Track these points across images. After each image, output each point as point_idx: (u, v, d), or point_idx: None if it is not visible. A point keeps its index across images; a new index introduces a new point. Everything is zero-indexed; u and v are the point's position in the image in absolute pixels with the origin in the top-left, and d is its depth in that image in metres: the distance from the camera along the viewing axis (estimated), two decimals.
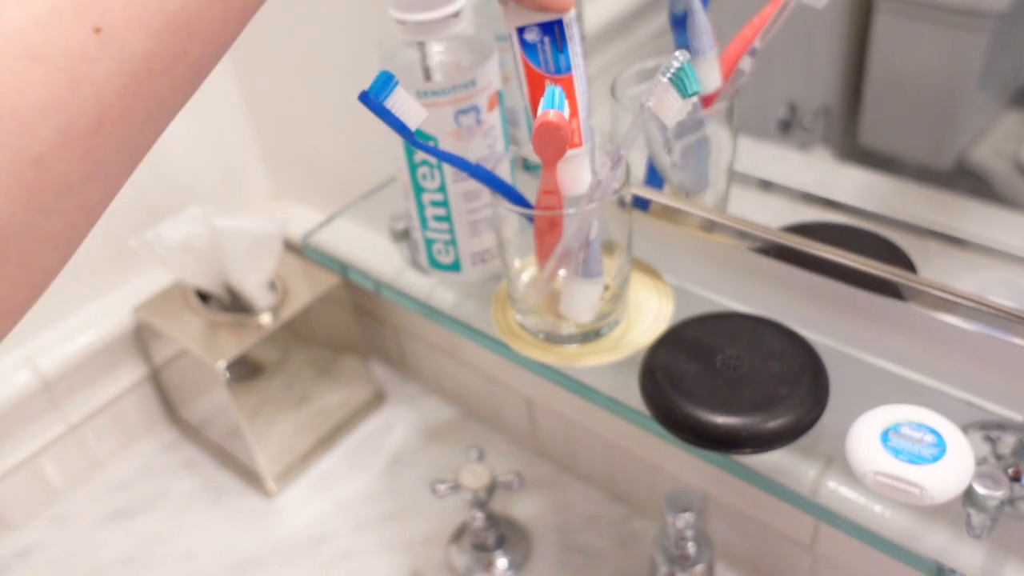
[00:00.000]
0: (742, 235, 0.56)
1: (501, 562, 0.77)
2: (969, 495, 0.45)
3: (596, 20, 0.66)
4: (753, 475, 0.49)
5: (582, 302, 0.53)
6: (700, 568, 0.65)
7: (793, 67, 1.01)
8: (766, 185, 0.69)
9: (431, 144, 0.55)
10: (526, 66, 0.45)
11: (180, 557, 0.82)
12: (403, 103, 0.42)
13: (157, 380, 0.92)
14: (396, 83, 0.41)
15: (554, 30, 0.44)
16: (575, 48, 0.45)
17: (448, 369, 0.92)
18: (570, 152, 0.46)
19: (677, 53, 0.41)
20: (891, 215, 0.65)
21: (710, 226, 0.59)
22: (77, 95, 0.24)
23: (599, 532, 0.79)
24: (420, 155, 0.57)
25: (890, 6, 1.08)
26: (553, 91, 0.41)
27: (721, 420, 0.47)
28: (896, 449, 0.44)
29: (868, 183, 0.81)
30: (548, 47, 0.45)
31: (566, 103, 0.41)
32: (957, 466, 0.43)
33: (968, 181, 1.13)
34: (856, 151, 1.21)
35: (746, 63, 0.53)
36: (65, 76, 0.24)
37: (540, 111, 0.41)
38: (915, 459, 0.43)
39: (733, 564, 0.75)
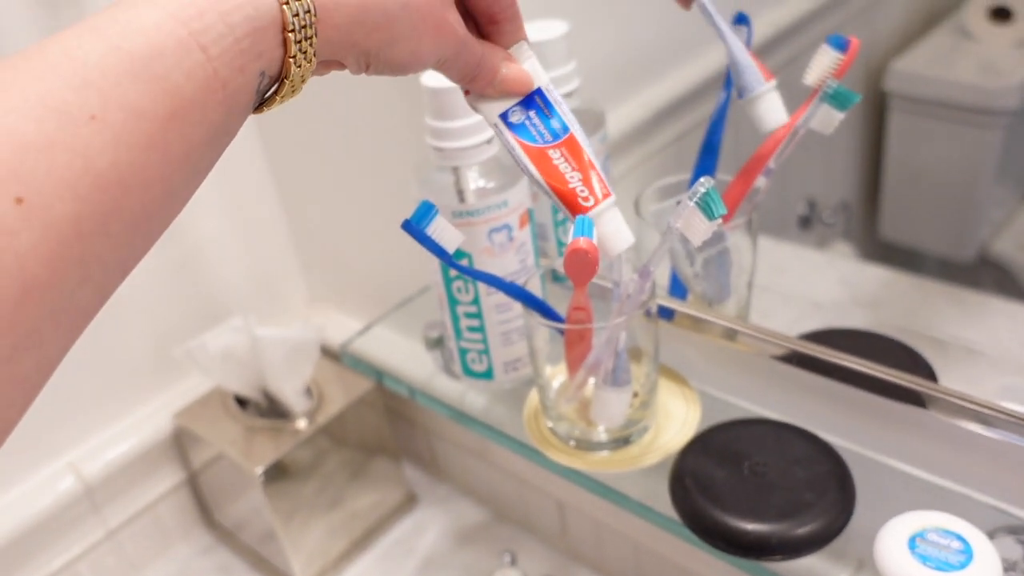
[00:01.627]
0: (764, 343, 0.58)
1: None
2: None
3: (617, 128, 0.70)
4: None
5: (612, 409, 0.55)
6: None
7: (811, 164, 1.05)
8: (788, 291, 0.71)
9: (465, 263, 0.58)
10: (523, 146, 0.43)
11: None
12: (442, 229, 0.45)
13: (194, 484, 0.94)
14: (436, 212, 0.44)
15: (536, 101, 0.43)
16: (563, 108, 0.44)
17: (479, 471, 0.93)
18: (601, 206, 0.43)
19: (703, 179, 0.44)
20: (911, 318, 0.67)
21: (733, 335, 0.61)
22: (1, 271, 0.23)
23: None
24: (455, 271, 0.60)
25: (903, 104, 1.12)
26: (583, 221, 0.43)
27: (751, 527, 0.48)
28: (924, 556, 0.45)
29: (889, 281, 0.83)
30: (537, 119, 0.43)
31: (594, 230, 0.43)
32: (985, 572, 0.44)
33: (991, 273, 1.15)
34: (877, 245, 1.24)
35: (761, 182, 0.56)
36: None
37: (571, 238, 0.43)
38: (943, 566, 0.44)
39: None
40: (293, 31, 0.30)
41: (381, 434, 0.94)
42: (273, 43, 0.30)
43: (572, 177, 0.43)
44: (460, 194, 0.58)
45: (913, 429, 0.55)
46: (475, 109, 0.43)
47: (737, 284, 0.63)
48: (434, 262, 0.61)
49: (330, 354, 0.92)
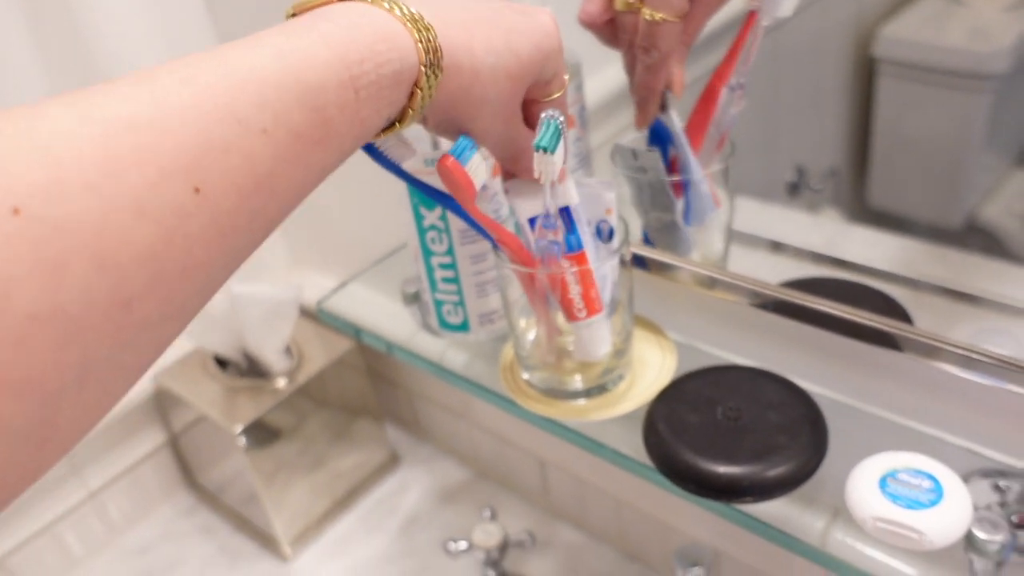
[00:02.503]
0: (741, 291, 0.58)
1: None
2: (970, 540, 0.45)
3: (597, 95, 0.69)
4: (757, 524, 0.50)
5: (593, 338, 0.54)
6: None
7: (800, 131, 1.04)
8: (772, 245, 0.71)
9: (438, 211, 0.57)
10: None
11: None
12: (394, 145, 0.45)
13: (175, 446, 0.94)
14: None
15: (563, 215, 0.49)
16: (583, 228, 0.50)
17: (461, 431, 0.93)
18: (591, 319, 0.51)
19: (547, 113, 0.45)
20: (889, 269, 0.67)
21: (711, 283, 0.60)
22: (171, 247, 0.27)
23: None
24: (429, 219, 0.59)
25: (892, 70, 1.11)
26: (463, 142, 0.44)
27: (723, 470, 0.48)
28: (894, 495, 0.45)
29: (873, 241, 0.83)
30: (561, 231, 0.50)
31: (476, 153, 0.44)
32: (955, 511, 0.44)
33: (979, 239, 1.15)
34: (865, 212, 1.23)
35: (730, 101, 0.55)
36: (163, 230, 0.26)
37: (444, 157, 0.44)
38: (913, 504, 0.44)
39: None
40: (422, 89, 0.35)
41: (363, 395, 0.93)
42: (404, 94, 0.35)
43: (574, 290, 0.50)
44: (434, 141, 0.57)
45: (889, 374, 0.55)
46: (511, 204, 0.49)
47: (715, 234, 0.62)
48: (407, 212, 0.60)
49: (311, 315, 0.91)
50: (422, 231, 0.60)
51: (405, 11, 0.35)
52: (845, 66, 0.98)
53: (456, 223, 0.59)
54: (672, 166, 0.58)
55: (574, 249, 0.50)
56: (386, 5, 0.35)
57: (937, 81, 1.10)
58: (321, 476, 0.91)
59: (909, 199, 1.19)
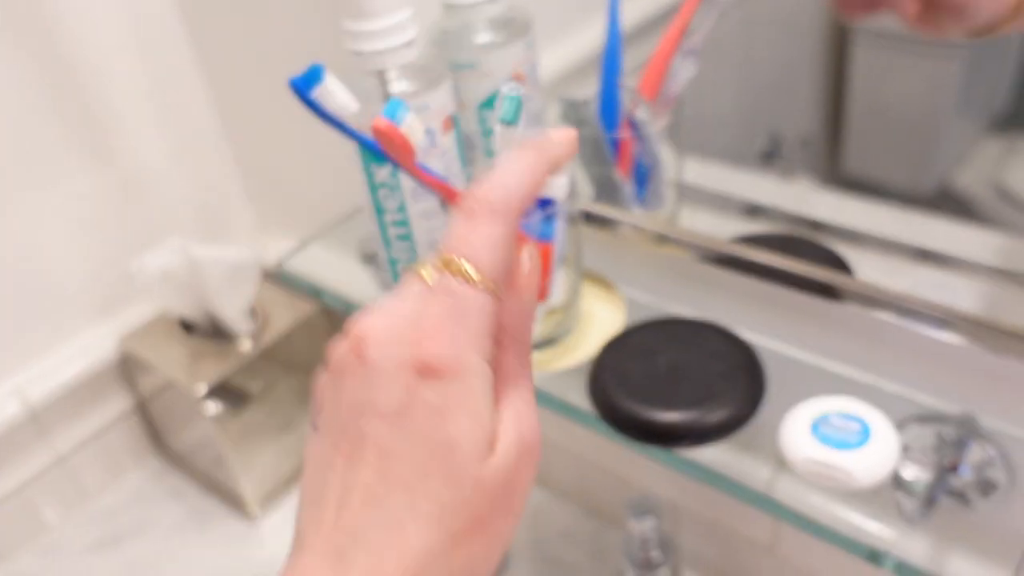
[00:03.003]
0: (689, 246, 0.59)
1: None
2: (897, 480, 0.47)
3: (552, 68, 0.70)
4: (699, 470, 0.51)
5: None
6: (664, 572, 0.67)
7: (773, 98, 1.05)
8: (723, 204, 0.72)
9: (388, 168, 0.58)
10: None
11: None
12: (331, 94, 0.45)
13: (144, 411, 0.95)
14: (323, 75, 0.45)
15: (547, 206, 0.48)
16: (561, 225, 0.49)
17: None
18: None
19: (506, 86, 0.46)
20: (840, 225, 0.68)
21: (661, 240, 0.62)
22: None
23: (574, 545, 0.81)
24: (380, 176, 0.60)
25: (866, 38, 1.12)
26: (395, 104, 0.45)
27: (662, 416, 0.49)
28: (825, 437, 0.46)
29: (837, 205, 0.84)
30: (537, 216, 0.49)
31: (410, 112, 0.45)
32: (882, 452, 0.46)
33: (952, 206, 1.16)
34: (839, 180, 1.24)
35: (684, 67, 0.56)
36: None
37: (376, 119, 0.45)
38: (842, 445, 0.46)
39: (702, 570, 0.77)
40: None
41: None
42: None
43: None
44: (385, 98, 0.58)
45: (829, 324, 0.56)
46: None
47: (664, 190, 0.63)
48: (359, 169, 0.61)
49: (275, 278, 0.92)
50: (373, 188, 0.60)
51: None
52: (819, 34, 0.98)
53: (407, 181, 0.59)
54: (621, 151, 0.60)
55: (545, 239, 0.50)
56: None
57: (910, 49, 1.10)
58: (289, 439, 0.92)
59: (882, 166, 1.20)
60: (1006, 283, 0.57)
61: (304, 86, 0.46)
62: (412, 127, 0.46)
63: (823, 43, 1.06)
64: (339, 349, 0.31)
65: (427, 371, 0.29)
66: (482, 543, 0.30)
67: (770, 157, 1.16)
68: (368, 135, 0.49)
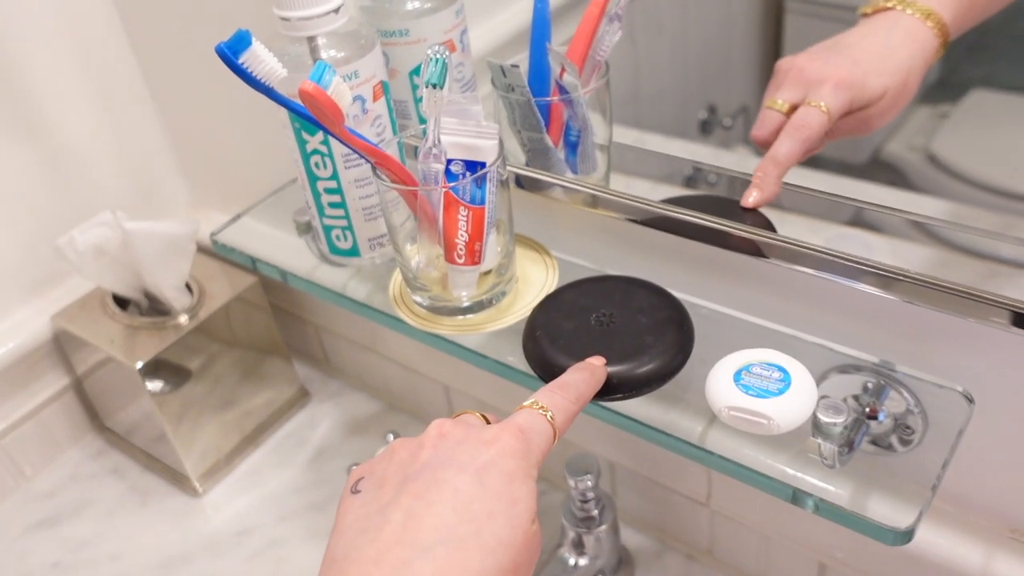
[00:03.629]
0: (621, 207, 0.60)
1: None
2: (815, 424, 0.49)
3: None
4: (630, 421, 0.52)
5: (460, 283, 0.57)
6: (604, 529, 0.69)
7: (710, 69, 1.06)
8: (660, 174, 0.73)
9: (320, 135, 0.58)
10: (446, 192, 0.53)
11: (107, 559, 0.83)
12: (259, 61, 0.46)
13: (80, 389, 0.94)
14: (251, 41, 0.45)
15: (478, 169, 0.53)
16: (492, 187, 0.54)
17: (370, 364, 0.95)
18: (467, 268, 0.56)
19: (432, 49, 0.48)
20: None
21: (592, 202, 0.63)
22: None
23: None
24: (312, 144, 0.60)
25: (799, 7, 1.14)
26: (321, 67, 0.46)
27: None
28: (747, 386, 0.48)
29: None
30: (469, 180, 0.53)
31: (336, 75, 0.47)
32: (801, 398, 0.48)
33: (884, 174, 1.20)
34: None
35: (610, 31, 0.57)
36: None
37: (303, 83, 0.46)
38: (763, 393, 0.48)
39: (641, 527, 0.79)
40: None
41: (270, 333, 0.94)
42: None
43: (461, 236, 0.54)
44: (314, 58, 0.58)
45: (755, 281, 0.58)
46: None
47: (595, 154, 0.64)
48: (291, 138, 0.61)
49: (211, 253, 0.91)
50: (306, 156, 0.61)
51: None
52: (754, 4, 1.00)
53: (339, 147, 0.59)
54: (551, 116, 0.60)
55: (476, 203, 0.54)
56: None
57: (840, 17, 1.13)
58: (231, 414, 0.92)
59: None
60: (927, 241, 0.59)
61: (231, 51, 0.46)
62: (339, 90, 0.47)
63: (757, 12, 1.09)
64: (406, 442, 0.41)
65: (504, 450, 0.39)
66: None
67: (708, 127, 1.18)
68: (298, 102, 0.49)
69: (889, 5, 0.54)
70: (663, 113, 0.87)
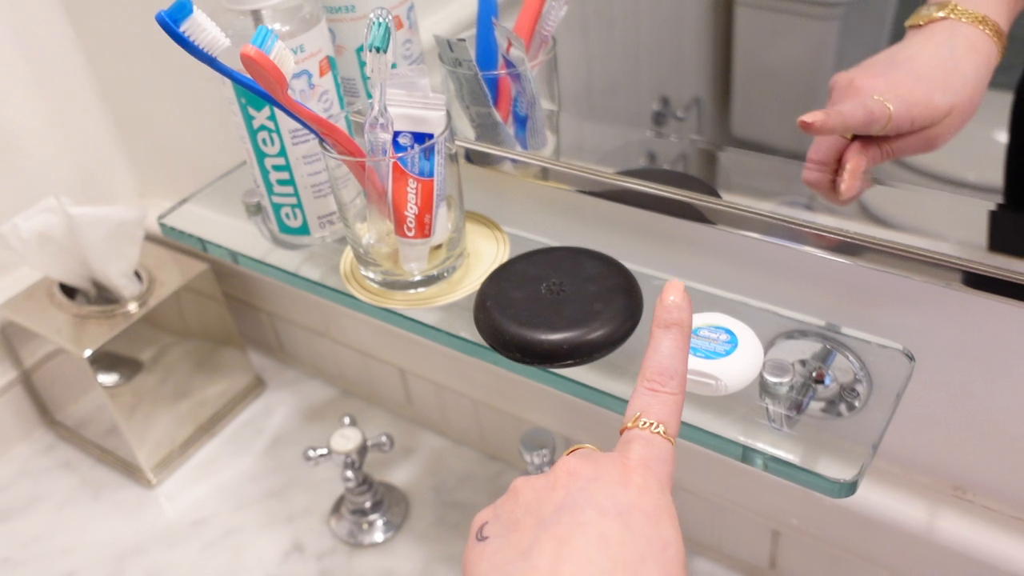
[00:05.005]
0: (571, 179, 0.61)
1: (379, 523, 0.79)
2: (762, 385, 0.50)
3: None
4: (581, 387, 0.53)
5: (410, 256, 0.57)
6: None
7: (663, 61, 1.07)
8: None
9: (266, 110, 0.58)
10: (395, 164, 0.53)
11: (59, 553, 0.81)
12: (201, 30, 0.45)
13: (28, 383, 0.92)
14: (191, 9, 0.44)
15: (426, 140, 0.53)
16: (440, 159, 0.53)
17: (325, 350, 0.94)
18: (417, 241, 0.55)
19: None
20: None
21: (542, 175, 0.63)
22: None
23: (474, 488, 0.83)
24: (258, 120, 0.59)
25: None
26: (263, 32, 0.46)
27: (544, 337, 0.51)
28: (695, 348, 0.49)
29: (726, 159, 0.87)
30: (417, 152, 0.52)
31: (278, 40, 0.46)
32: (747, 359, 0.48)
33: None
34: (729, 141, 1.29)
35: (556, 6, 0.57)
36: None
37: (245, 47, 0.46)
38: (710, 355, 0.48)
39: None
40: None
41: (223, 322, 0.93)
42: None
43: (411, 208, 0.54)
44: (256, 19, 0.57)
45: (703, 248, 0.59)
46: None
47: (541, 128, 0.64)
48: (237, 114, 0.60)
49: (161, 241, 0.90)
50: (253, 133, 0.60)
51: None
52: None
53: (286, 123, 0.59)
54: (500, 91, 0.61)
55: (425, 175, 0.53)
56: None
57: (790, 9, 1.14)
58: (184, 404, 0.90)
59: (768, 127, 1.24)
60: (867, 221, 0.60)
61: (172, 20, 0.45)
62: (282, 55, 0.46)
63: (708, 4, 1.10)
64: (531, 481, 0.38)
65: (641, 488, 0.36)
66: None
67: (661, 119, 1.20)
68: (242, 72, 0.49)
69: (941, 15, 0.50)
70: (616, 105, 0.87)
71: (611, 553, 0.34)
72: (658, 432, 0.39)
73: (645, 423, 0.39)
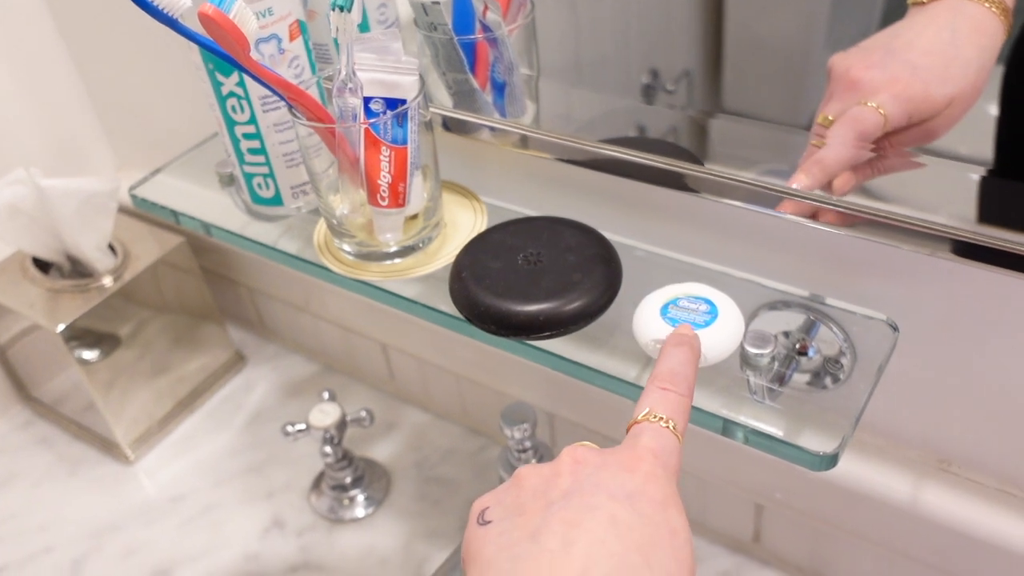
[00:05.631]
0: (550, 147, 0.59)
1: (360, 499, 0.78)
2: (743, 356, 0.49)
3: None
4: (559, 360, 0.52)
5: (385, 226, 0.56)
6: None
7: (653, 34, 1.05)
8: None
9: (236, 76, 0.56)
10: (366, 130, 0.51)
11: (36, 530, 0.80)
12: None
13: (4, 359, 0.90)
14: None
15: (398, 106, 0.51)
16: (414, 126, 0.52)
17: (305, 325, 0.93)
18: (391, 211, 0.54)
19: None
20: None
21: (521, 143, 0.61)
22: None
23: (456, 463, 0.82)
24: (227, 87, 0.58)
25: None
26: None
27: (521, 308, 0.50)
28: (674, 319, 0.47)
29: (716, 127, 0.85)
30: (389, 119, 0.51)
31: (236, 2, 0.45)
32: (727, 330, 0.47)
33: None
34: (719, 112, 1.27)
35: None
36: None
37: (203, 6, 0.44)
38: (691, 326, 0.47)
39: None
40: None
41: (202, 297, 0.92)
42: None
43: (384, 177, 0.52)
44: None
45: (685, 218, 0.58)
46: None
47: (520, 95, 0.63)
48: (206, 81, 0.58)
49: (136, 215, 0.88)
50: (222, 100, 0.58)
51: None
52: None
53: (256, 89, 0.57)
54: (477, 56, 0.59)
55: (398, 143, 0.51)
56: None
57: None
58: (163, 380, 0.89)
59: (759, 100, 1.23)
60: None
61: None
62: (242, 15, 0.45)
63: None
64: (536, 468, 0.38)
65: (649, 476, 0.36)
66: None
67: (651, 91, 1.18)
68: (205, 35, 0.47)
69: None
70: (605, 78, 0.86)
71: (621, 535, 0.34)
72: (667, 426, 0.39)
73: (655, 417, 0.39)
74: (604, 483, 0.36)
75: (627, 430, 0.40)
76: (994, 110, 0.54)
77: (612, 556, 0.33)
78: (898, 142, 0.49)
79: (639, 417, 0.40)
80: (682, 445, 0.40)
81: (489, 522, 0.37)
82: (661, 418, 0.39)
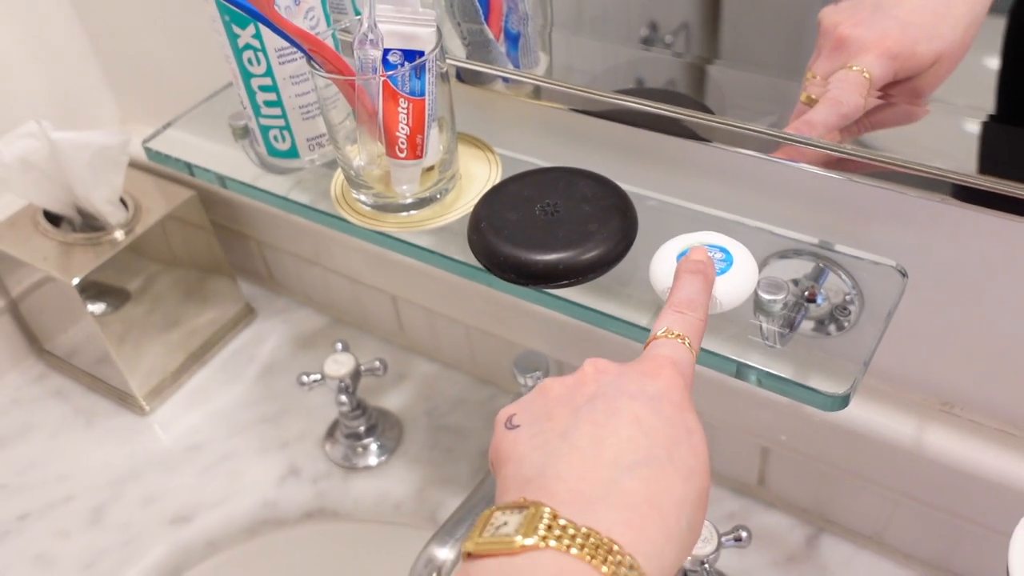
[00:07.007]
0: (564, 97, 0.60)
1: (373, 447, 0.80)
2: (757, 302, 0.50)
3: None
4: (577, 308, 0.53)
5: (403, 177, 0.56)
6: None
7: None
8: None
9: (252, 28, 0.56)
10: (385, 83, 0.52)
11: (55, 480, 0.82)
12: None
13: (16, 312, 0.91)
14: None
15: (416, 58, 0.52)
16: (432, 78, 0.52)
17: (315, 278, 0.94)
18: (409, 162, 0.55)
19: None
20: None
21: (535, 94, 0.62)
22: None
23: (466, 412, 0.83)
24: (243, 39, 0.58)
25: None
26: None
27: (540, 257, 0.51)
28: None
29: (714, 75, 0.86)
30: (407, 71, 0.52)
31: None
32: (742, 276, 0.48)
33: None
34: (717, 61, 1.27)
35: None
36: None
37: None
38: None
39: None
40: None
41: (211, 250, 0.92)
42: None
43: (402, 129, 0.53)
44: None
45: (698, 167, 0.58)
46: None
47: (534, 45, 0.63)
48: (222, 34, 0.58)
49: (147, 168, 0.89)
50: (238, 52, 0.59)
51: (603, 551, 0.32)
52: None
53: (272, 41, 0.58)
54: (491, 6, 0.59)
55: (416, 94, 0.52)
56: (584, 555, 0.32)
57: None
58: (175, 333, 0.90)
59: (756, 54, 1.23)
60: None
61: None
62: None
63: None
64: (560, 379, 0.40)
65: (669, 381, 0.38)
66: (700, 515, 0.36)
67: (649, 43, 1.17)
68: None
69: None
70: (605, 33, 0.86)
71: (646, 432, 0.36)
72: (683, 343, 0.41)
73: (672, 334, 0.42)
74: (626, 387, 0.38)
75: (645, 346, 0.42)
76: (995, 64, 0.55)
77: (639, 450, 0.35)
78: (888, 99, 0.50)
79: (658, 334, 0.42)
80: (695, 360, 0.42)
81: (518, 426, 0.39)
82: (678, 335, 0.42)
